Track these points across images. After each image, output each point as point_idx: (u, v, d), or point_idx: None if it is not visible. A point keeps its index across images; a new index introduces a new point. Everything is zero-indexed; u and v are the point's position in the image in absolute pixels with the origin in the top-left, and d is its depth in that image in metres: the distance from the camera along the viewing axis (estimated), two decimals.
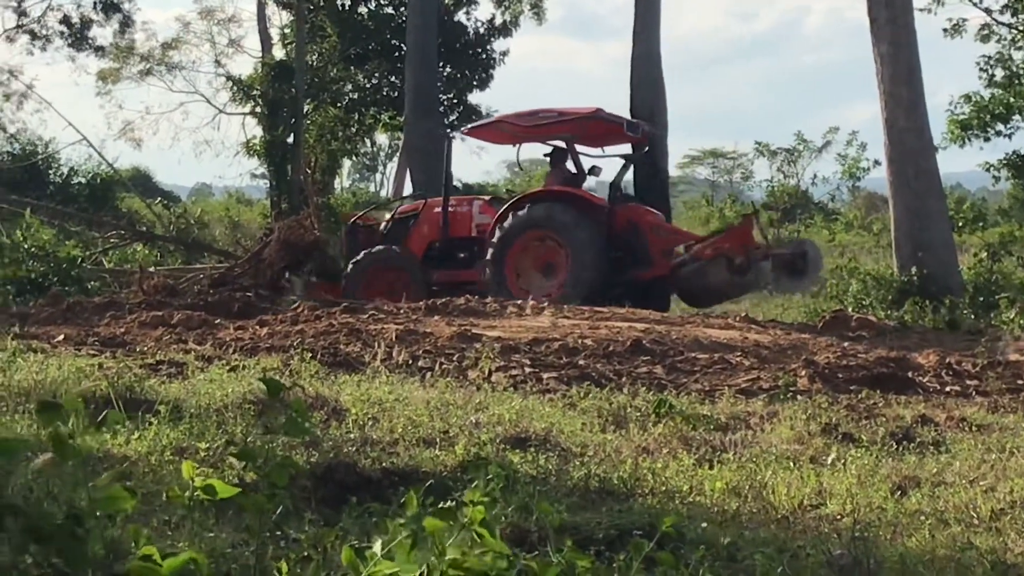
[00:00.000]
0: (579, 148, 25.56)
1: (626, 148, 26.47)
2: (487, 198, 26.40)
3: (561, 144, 25.39)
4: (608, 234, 23.31)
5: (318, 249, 25.61)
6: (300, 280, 24.34)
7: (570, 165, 25.21)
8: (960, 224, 40.32)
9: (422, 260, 24.62)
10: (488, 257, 23.58)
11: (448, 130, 40.90)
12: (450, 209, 24.76)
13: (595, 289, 21.77)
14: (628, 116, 25.85)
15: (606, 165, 27.07)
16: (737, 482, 8.92)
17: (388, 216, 26.29)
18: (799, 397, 13.21)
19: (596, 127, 25.16)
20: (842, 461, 9.91)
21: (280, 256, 25.14)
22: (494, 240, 23.60)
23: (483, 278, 23.29)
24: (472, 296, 20.44)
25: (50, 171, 52.65)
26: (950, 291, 25.61)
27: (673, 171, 58.26)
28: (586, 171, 25.16)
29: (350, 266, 24.72)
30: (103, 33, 58.16)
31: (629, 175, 27.89)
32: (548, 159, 25.85)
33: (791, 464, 9.68)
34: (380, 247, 24.90)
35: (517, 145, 26.89)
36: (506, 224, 23.63)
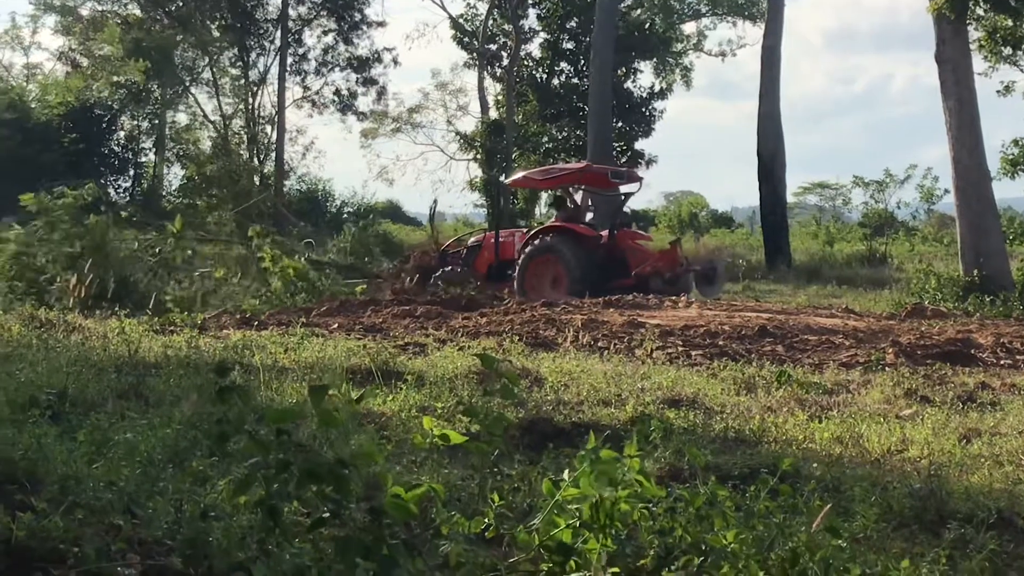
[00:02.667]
0: (593, 189, 28.02)
1: (631, 187, 27.80)
2: (525, 229, 27.56)
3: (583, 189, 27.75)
4: (597, 255, 24.46)
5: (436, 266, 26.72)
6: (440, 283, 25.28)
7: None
8: (1011, 237, 39.31)
9: (486, 275, 25.62)
10: (515, 274, 24.74)
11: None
12: (501, 239, 26.02)
13: (588, 292, 22.20)
14: (618, 166, 28.05)
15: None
16: (840, 433, 8.80)
17: (467, 244, 27.43)
18: (887, 369, 12.99)
19: (587, 177, 26.73)
20: (920, 417, 9.73)
21: (415, 271, 26.61)
22: (518, 262, 24.85)
23: (513, 289, 24.15)
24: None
25: (327, 203, 53.54)
26: (1003, 288, 25.13)
27: (790, 199, 57.32)
28: (582, 208, 27.21)
29: (436, 278, 25.79)
30: (365, 101, 58.98)
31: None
32: (554, 201, 28.17)
33: (881, 419, 9.53)
34: (451, 267, 26.17)
35: (547, 189, 29.23)
36: (525, 251, 24.86)
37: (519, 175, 29.32)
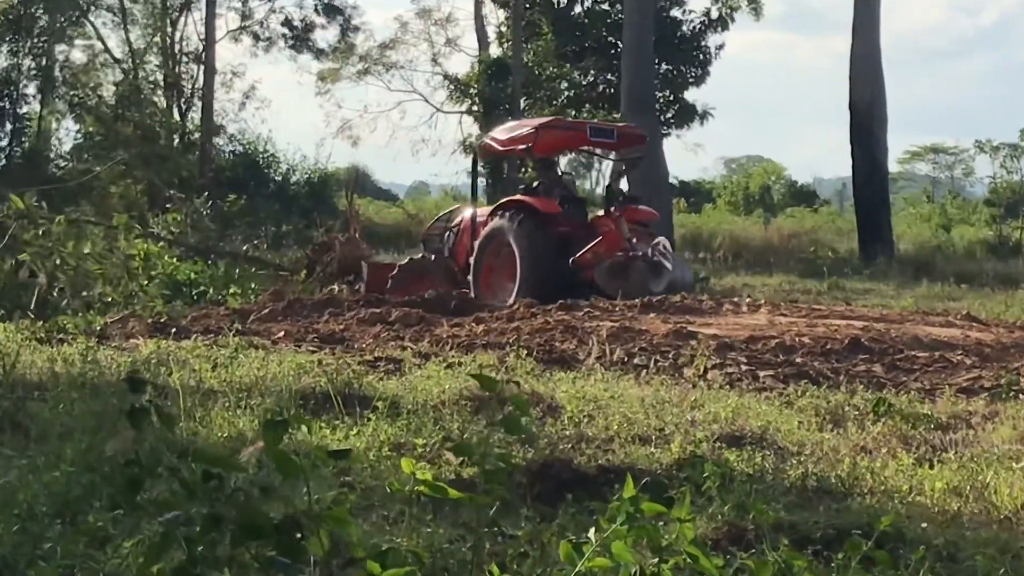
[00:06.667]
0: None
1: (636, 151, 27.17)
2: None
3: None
4: (570, 240, 23.63)
5: (366, 260, 26.68)
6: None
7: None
8: None
9: (464, 267, 25.04)
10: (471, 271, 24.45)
11: (663, 128, 41.09)
12: (479, 219, 25.17)
13: (546, 290, 21.83)
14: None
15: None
16: (958, 482, 8.79)
17: (449, 227, 26.68)
18: (1022, 396, 12.98)
19: (549, 138, 25.70)
20: None
21: (340, 268, 26.66)
22: (474, 252, 24.51)
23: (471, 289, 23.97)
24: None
25: (269, 169, 53.44)
26: None
27: (893, 167, 57.49)
28: (559, 174, 26.22)
29: (398, 267, 25.71)
30: (324, 35, 58.94)
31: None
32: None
33: (1014, 464, 9.52)
34: (420, 256, 26.35)
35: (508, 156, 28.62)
36: (480, 237, 24.46)
37: (481, 138, 28.95)
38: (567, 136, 26.62)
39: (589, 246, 23.22)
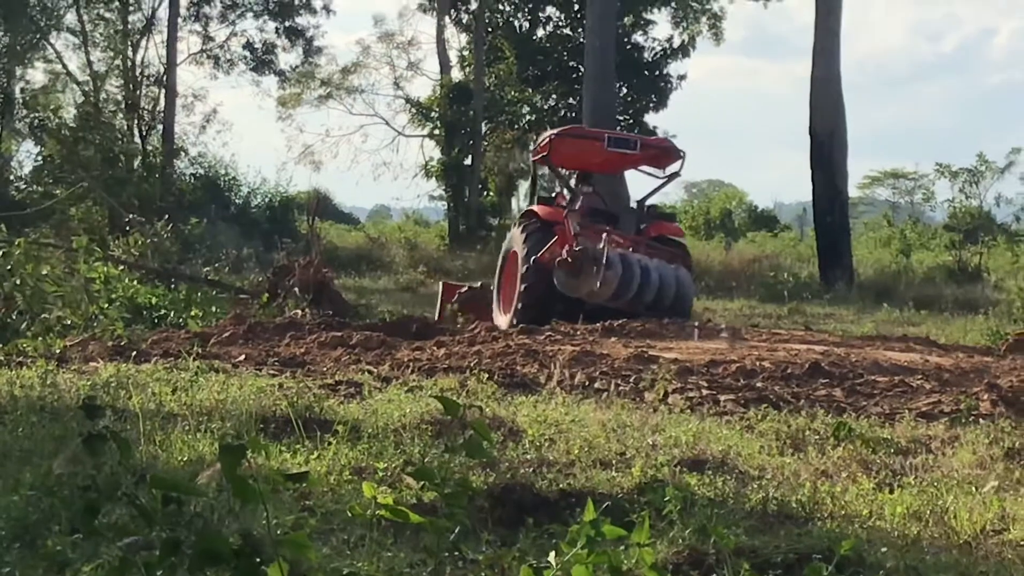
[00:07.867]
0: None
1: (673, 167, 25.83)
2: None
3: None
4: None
5: (326, 286, 26.02)
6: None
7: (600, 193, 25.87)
8: None
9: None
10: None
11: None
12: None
13: (547, 302, 21.75)
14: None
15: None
16: (918, 507, 8.81)
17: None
18: (981, 421, 12.98)
19: (568, 145, 24.79)
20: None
21: (298, 294, 25.59)
22: (497, 268, 24.38)
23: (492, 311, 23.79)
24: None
25: (231, 192, 53.38)
26: None
27: (853, 192, 57.64)
28: (574, 189, 24.97)
29: (467, 288, 25.83)
30: (287, 58, 58.88)
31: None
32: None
33: (973, 489, 9.54)
34: (478, 284, 26.16)
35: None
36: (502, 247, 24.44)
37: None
38: (584, 145, 25.19)
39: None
